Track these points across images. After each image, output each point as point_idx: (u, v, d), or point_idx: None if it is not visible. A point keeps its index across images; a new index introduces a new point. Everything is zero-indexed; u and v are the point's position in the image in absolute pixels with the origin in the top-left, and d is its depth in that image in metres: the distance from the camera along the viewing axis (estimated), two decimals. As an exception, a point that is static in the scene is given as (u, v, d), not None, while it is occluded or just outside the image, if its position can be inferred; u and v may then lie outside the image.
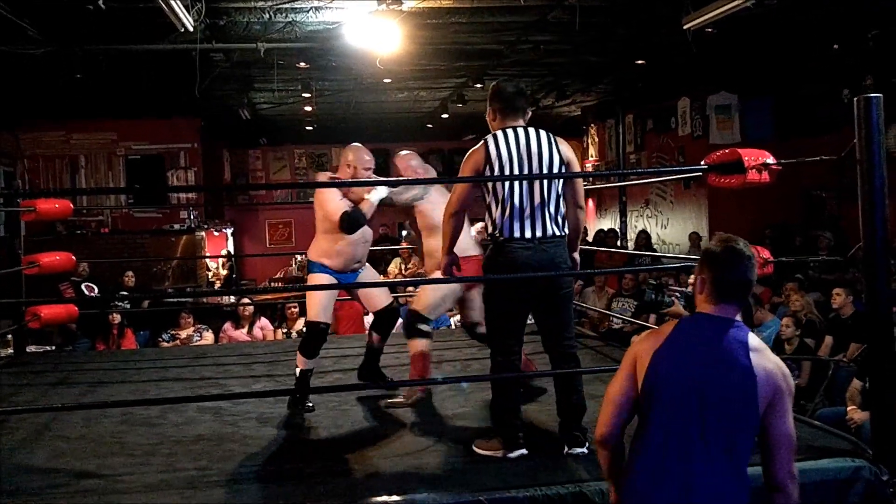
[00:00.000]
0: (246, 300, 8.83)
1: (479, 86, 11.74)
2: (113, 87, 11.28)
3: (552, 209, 3.61)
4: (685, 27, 7.64)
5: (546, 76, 12.20)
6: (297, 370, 4.53)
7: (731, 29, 7.97)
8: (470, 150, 3.68)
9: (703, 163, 3.90)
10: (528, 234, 3.57)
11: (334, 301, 4.75)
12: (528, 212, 3.57)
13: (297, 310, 8.74)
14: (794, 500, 2.38)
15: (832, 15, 8.31)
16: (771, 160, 3.75)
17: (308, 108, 13.58)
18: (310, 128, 16.13)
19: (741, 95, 11.47)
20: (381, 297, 4.88)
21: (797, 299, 7.36)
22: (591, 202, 16.64)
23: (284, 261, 15.46)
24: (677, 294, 4.92)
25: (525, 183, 3.57)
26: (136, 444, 3.94)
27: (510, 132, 3.63)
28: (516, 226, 3.57)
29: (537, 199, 3.58)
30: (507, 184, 3.57)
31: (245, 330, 8.59)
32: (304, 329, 4.57)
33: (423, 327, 4.64)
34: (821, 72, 9.61)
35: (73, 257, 6.37)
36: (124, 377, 5.67)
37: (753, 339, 2.40)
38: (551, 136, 3.71)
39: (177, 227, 13.73)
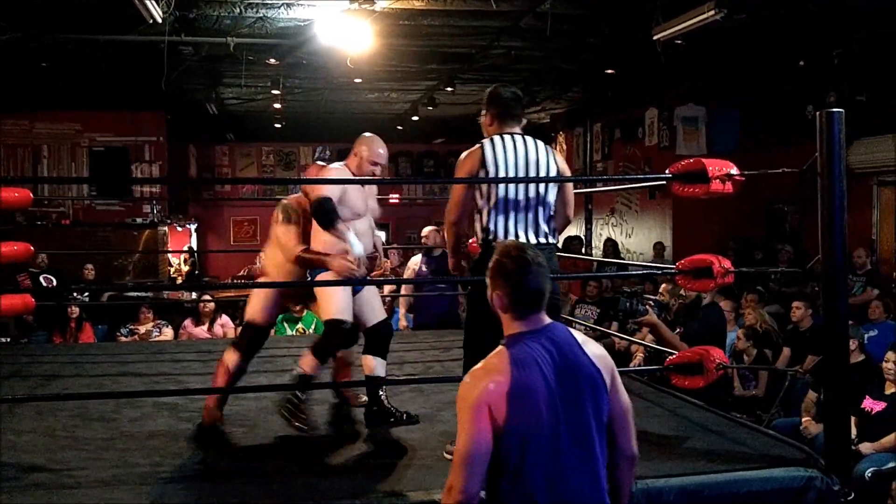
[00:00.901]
0: (207, 297, 8.74)
1: (449, 89, 11.75)
2: (79, 77, 11.11)
3: (545, 216, 3.61)
4: (655, 38, 7.71)
5: (517, 82, 12.23)
6: (301, 372, 3.99)
7: (701, 41, 8.06)
8: (465, 154, 3.64)
9: (667, 172, 3.93)
10: (529, 240, 3.54)
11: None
12: (521, 217, 3.56)
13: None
14: (636, 467, 2.49)
15: (799, 30, 8.44)
16: (734, 171, 3.79)
17: (277, 106, 13.49)
18: (278, 125, 16.03)
19: (708, 107, 11.60)
20: (380, 309, 4.43)
21: (750, 312, 7.45)
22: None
23: (248, 259, 15.32)
24: (651, 302, 4.97)
25: (520, 189, 3.55)
26: (89, 438, 3.88)
27: (507, 138, 3.61)
28: (511, 230, 3.55)
29: (532, 206, 3.57)
30: (501, 188, 3.54)
31: (206, 327, 8.51)
32: (326, 329, 4.05)
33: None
34: (786, 87, 9.76)
35: (32, 248, 6.24)
36: (80, 371, 5.58)
37: (576, 333, 2.41)
38: (546, 145, 3.71)
39: (139, 220, 13.56)
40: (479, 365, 2.35)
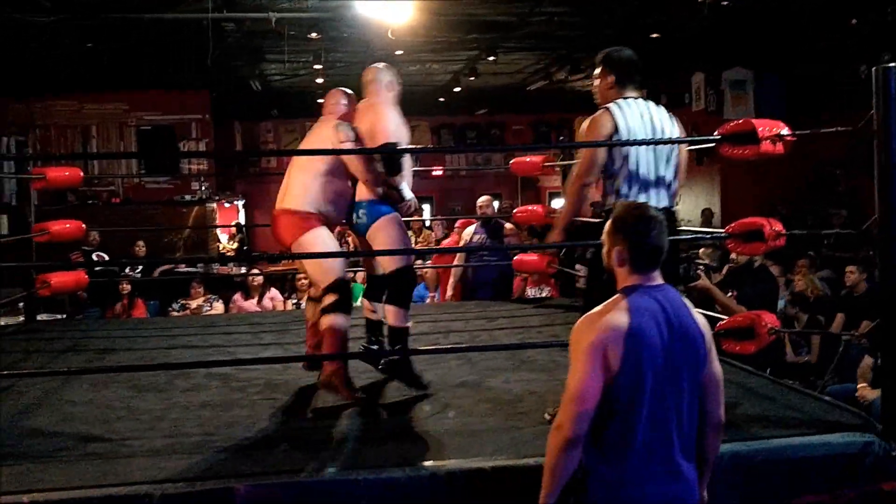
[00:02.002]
0: (255, 271, 8.84)
1: (491, 58, 11.62)
2: (124, 57, 11.24)
3: (669, 182, 3.60)
4: (700, -1, 7.55)
5: (559, 49, 12.08)
6: (393, 328, 4.01)
7: (747, 1, 7.86)
8: (592, 117, 3.59)
9: (716, 133, 3.84)
10: (654, 205, 3.45)
11: None
12: (653, 183, 3.55)
13: (306, 281, 8.73)
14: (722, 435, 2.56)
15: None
16: (785, 131, 3.70)
17: (319, 80, 13.50)
18: (321, 101, 16.01)
19: (756, 71, 11.33)
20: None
21: (800, 279, 7.31)
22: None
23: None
24: (702, 267, 4.91)
25: (650, 154, 3.53)
26: (143, 409, 3.94)
27: (633, 102, 3.57)
28: (641, 196, 3.52)
29: (661, 172, 3.56)
30: (633, 153, 3.50)
31: (255, 300, 8.61)
32: (397, 275, 3.97)
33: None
34: (838, 47, 9.48)
35: (83, 225, 6.37)
36: (133, 345, 5.68)
37: (685, 299, 2.45)
38: (668, 112, 3.68)
39: (188, 198, 13.74)
40: (595, 310, 2.39)
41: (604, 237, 2.48)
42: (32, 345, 5.62)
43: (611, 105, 3.57)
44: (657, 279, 2.42)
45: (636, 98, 3.62)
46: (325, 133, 4.12)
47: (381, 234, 4.09)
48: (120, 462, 3.18)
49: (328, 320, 3.92)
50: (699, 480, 2.47)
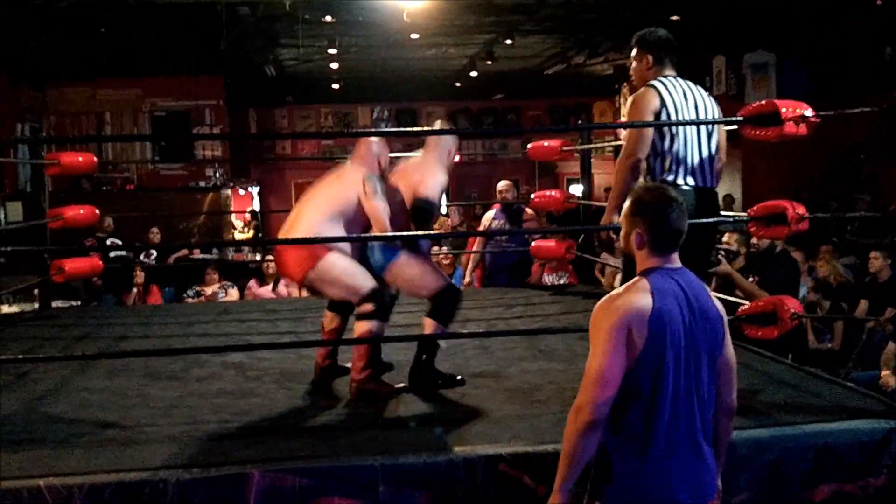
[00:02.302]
0: (270, 257, 8.82)
1: (508, 42, 11.54)
2: (138, 42, 11.23)
3: (712, 161, 3.61)
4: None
5: (578, 33, 11.97)
6: (427, 336, 3.97)
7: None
8: (636, 95, 3.59)
9: (738, 114, 3.76)
10: (701, 184, 3.56)
11: None
12: (699, 162, 3.55)
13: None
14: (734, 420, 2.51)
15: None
16: (809, 112, 3.61)
17: (334, 66, 13.47)
18: (336, 86, 16.02)
19: (778, 54, 11.17)
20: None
21: (823, 265, 7.20)
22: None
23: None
24: (722, 252, 4.84)
25: (693, 133, 3.54)
26: (158, 397, 3.92)
27: (674, 81, 3.60)
28: (688, 175, 3.53)
29: (704, 151, 3.57)
30: (681, 131, 3.52)
31: (270, 287, 8.59)
32: (443, 296, 3.96)
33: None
34: (861, 29, 9.32)
35: (97, 211, 6.36)
36: (149, 332, 5.66)
37: (702, 282, 2.42)
38: (706, 90, 3.70)
39: (203, 184, 13.74)
40: (615, 291, 2.36)
41: (622, 219, 2.43)
42: (48, 332, 5.62)
43: (655, 82, 3.58)
44: (677, 262, 2.38)
45: (675, 77, 3.63)
46: (351, 179, 4.01)
47: (403, 273, 4.00)
48: (135, 448, 3.16)
49: (364, 326, 3.87)
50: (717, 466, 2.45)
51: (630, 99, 3.64)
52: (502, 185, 7.41)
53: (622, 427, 2.29)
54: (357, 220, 3.97)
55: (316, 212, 3.98)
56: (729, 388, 2.44)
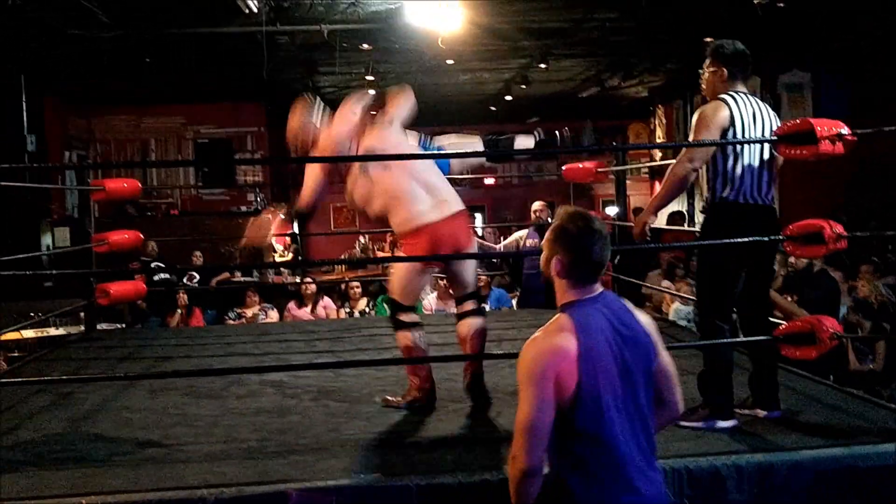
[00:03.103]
0: (308, 279, 8.91)
1: (543, 66, 11.59)
2: (182, 71, 11.48)
3: (770, 180, 3.62)
4: (755, 1, 7.40)
5: (613, 56, 11.99)
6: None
7: (803, 2, 7.70)
8: (706, 107, 3.60)
9: (772, 134, 3.75)
10: (762, 202, 3.59)
11: None
12: (757, 178, 3.56)
13: (359, 289, 8.79)
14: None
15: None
16: (845, 131, 3.58)
17: (371, 92, 13.62)
18: (373, 113, 16.18)
19: (814, 73, 11.08)
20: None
21: (864, 284, 7.09)
22: (657, 184, 16.35)
23: (348, 243, 15.58)
24: None
25: (757, 152, 3.56)
26: (199, 415, 3.99)
27: (744, 98, 3.61)
28: (750, 191, 3.56)
29: (765, 168, 3.59)
30: (747, 148, 3.54)
31: (308, 309, 8.68)
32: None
33: (405, 317, 4.00)
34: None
35: (141, 235, 6.50)
36: (190, 352, 5.75)
37: (625, 301, 2.40)
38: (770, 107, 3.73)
39: (244, 209, 13.95)
40: (539, 333, 2.31)
41: (544, 244, 2.40)
42: (93, 353, 5.74)
43: (725, 97, 3.59)
44: (597, 289, 2.35)
45: (745, 93, 3.64)
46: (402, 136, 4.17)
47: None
48: (176, 466, 3.22)
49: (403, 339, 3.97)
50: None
51: (699, 111, 3.63)
52: (537, 205, 7.46)
53: (570, 456, 2.26)
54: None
55: (436, 175, 4.10)
56: (670, 394, 2.42)
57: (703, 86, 3.75)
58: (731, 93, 3.60)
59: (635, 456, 2.26)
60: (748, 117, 3.56)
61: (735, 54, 3.64)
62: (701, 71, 3.77)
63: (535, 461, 2.20)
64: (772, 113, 3.67)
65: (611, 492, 2.24)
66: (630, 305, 2.41)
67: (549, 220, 7.33)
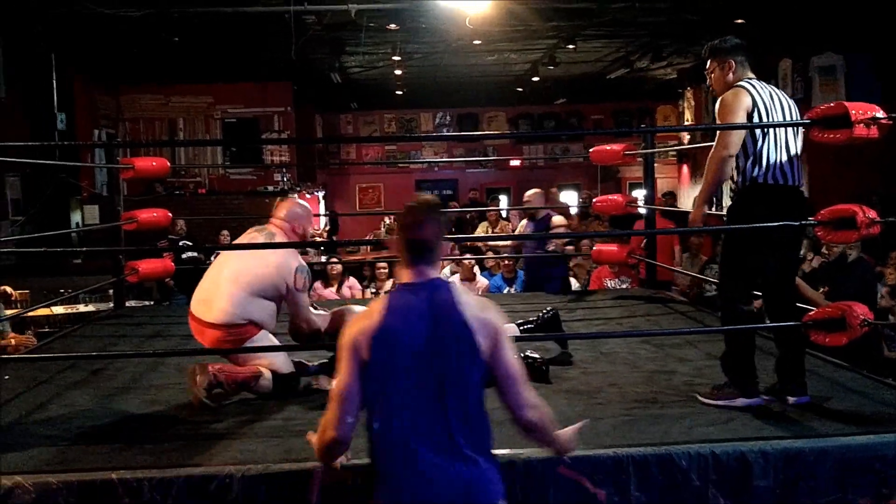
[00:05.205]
0: (334, 259, 8.94)
1: (571, 47, 11.48)
2: (209, 50, 11.51)
3: (798, 161, 3.64)
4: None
5: (642, 37, 11.85)
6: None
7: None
8: (726, 95, 3.64)
9: (806, 117, 3.70)
10: (791, 183, 3.60)
11: None
12: (785, 160, 3.58)
13: (386, 270, 8.81)
14: (542, 425, 2.44)
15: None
16: (881, 114, 3.53)
17: (398, 72, 13.59)
18: (399, 92, 16.16)
19: (847, 56, 10.88)
20: None
21: (891, 272, 6.97)
22: (685, 167, 16.21)
23: (374, 224, 15.63)
24: None
25: (782, 133, 3.59)
26: (225, 393, 4.02)
27: (758, 83, 3.66)
28: (780, 174, 3.57)
29: (792, 150, 3.61)
30: (770, 132, 3.57)
31: (334, 288, 8.71)
32: None
33: None
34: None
35: (170, 214, 6.55)
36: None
37: (459, 294, 2.40)
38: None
39: (270, 188, 14.01)
40: (363, 309, 2.48)
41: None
42: (122, 330, 5.81)
43: (743, 83, 3.63)
44: (429, 274, 2.41)
45: (757, 79, 3.67)
46: (277, 262, 3.92)
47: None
48: (203, 444, 3.26)
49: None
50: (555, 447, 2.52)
51: (720, 99, 3.65)
52: (530, 193, 7.25)
53: (374, 436, 2.37)
54: (276, 300, 3.97)
55: (234, 286, 3.89)
56: (517, 402, 2.41)
57: (714, 85, 3.80)
58: (745, 80, 3.65)
59: (437, 438, 2.31)
60: (768, 100, 3.60)
61: (734, 46, 3.73)
62: (707, 72, 3.83)
63: (341, 429, 2.38)
64: (786, 96, 3.71)
65: (390, 467, 2.34)
66: (465, 299, 2.40)
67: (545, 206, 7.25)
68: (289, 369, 4.02)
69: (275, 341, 4.08)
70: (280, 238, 4.04)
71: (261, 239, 4.05)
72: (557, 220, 7.12)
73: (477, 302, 2.45)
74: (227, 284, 3.90)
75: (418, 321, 2.34)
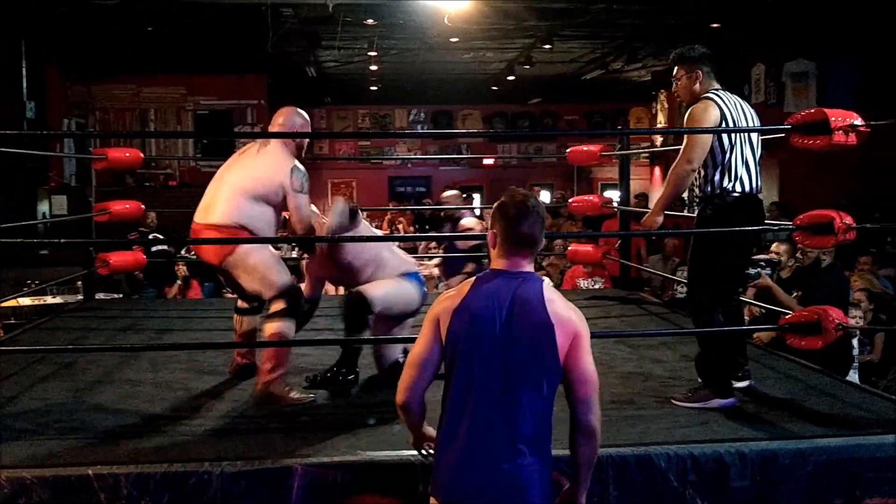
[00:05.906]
0: (306, 256, 8.88)
1: (547, 47, 11.53)
2: (183, 41, 11.39)
3: (759, 169, 3.71)
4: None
5: (618, 38, 11.93)
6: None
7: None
8: (696, 107, 3.67)
9: (786, 123, 3.74)
10: (753, 191, 3.67)
11: None
12: (750, 169, 3.64)
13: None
14: (597, 436, 2.42)
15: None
16: (859, 122, 3.58)
17: (373, 68, 13.54)
18: (374, 88, 16.11)
19: (821, 61, 11.04)
20: None
21: (856, 280, 7.05)
22: (657, 170, 16.34)
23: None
24: (762, 263, 4.79)
25: (748, 143, 3.65)
26: (202, 389, 3.98)
27: (724, 93, 3.70)
28: (747, 183, 3.64)
29: (755, 159, 3.68)
30: (739, 141, 3.61)
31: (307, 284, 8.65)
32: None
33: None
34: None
35: (142, 206, 6.47)
36: (190, 325, 5.74)
37: (546, 290, 2.43)
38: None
39: (243, 182, 13.88)
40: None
41: (491, 219, 2.54)
42: (93, 323, 5.71)
43: (711, 95, 3.67)
44: (524, 266, 2.46)
45: (723, 89, 3.72)
46: (273, 163, 3.93)
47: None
48: (180, 439, 3.22)
49: (274, 327, 3.82)
50: (574, 485, 2.45)
51: (689, 111, 3.69)
52: (448, 194, 6.99)
53: (442, 401, 2.44)
54: (276, 203, 3.93)
55: (233, 191, 3.90)
56: (584, 407, 2.39)
57: (679, 91, 3.84)
58: (712, 91, 3.69)
59: (491, 423, 2.32)
60: (736, 112, 3.64)
61: (703, 55, 3.76)
62: (673, 77, 3.84)
63: (408, 397, 2.46)
64: (748, 106, 3.76)
65: (446, 443, 2.38)
66: (550, 296, 2.41)
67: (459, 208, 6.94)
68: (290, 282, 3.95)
69: (273, 251, 4.04)
70: (275, 148, 4.00)
71: (254, 150, 4.06)
72: (466, 222, 6.78)
73: (563, 302, 2.45)
74: (227, 189, 3.94)
75: (500, 307, 2.37)
